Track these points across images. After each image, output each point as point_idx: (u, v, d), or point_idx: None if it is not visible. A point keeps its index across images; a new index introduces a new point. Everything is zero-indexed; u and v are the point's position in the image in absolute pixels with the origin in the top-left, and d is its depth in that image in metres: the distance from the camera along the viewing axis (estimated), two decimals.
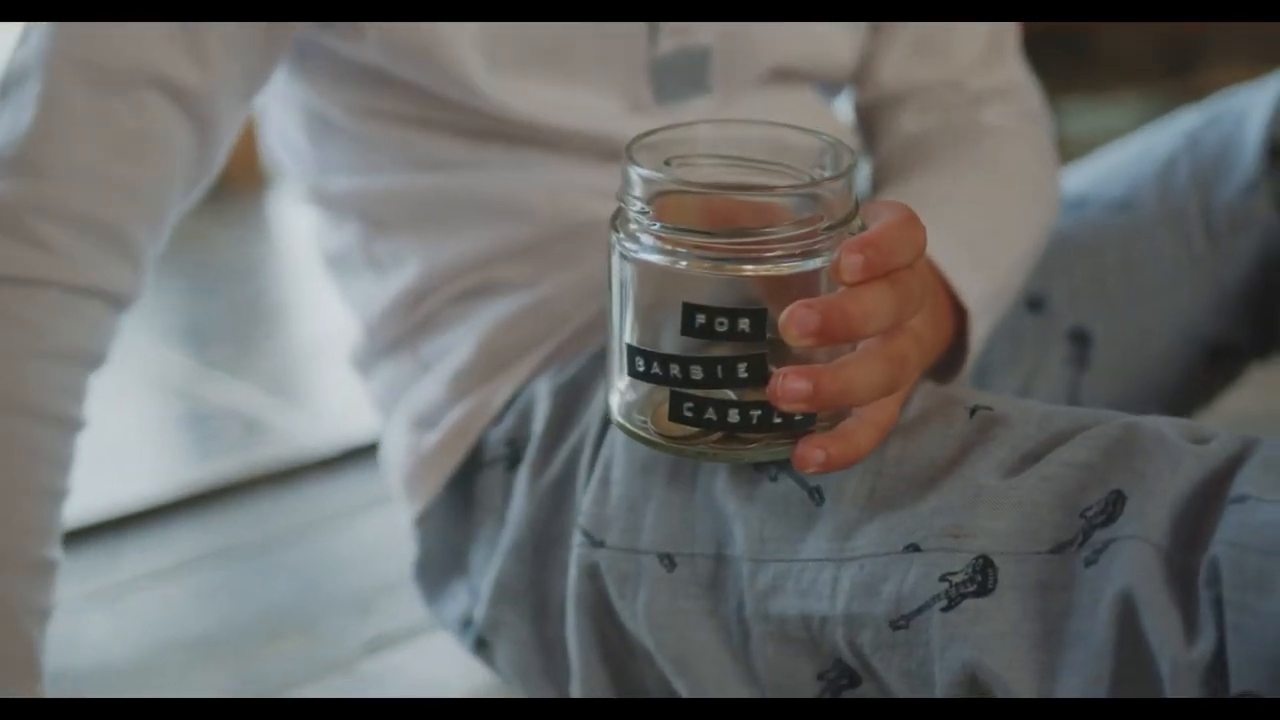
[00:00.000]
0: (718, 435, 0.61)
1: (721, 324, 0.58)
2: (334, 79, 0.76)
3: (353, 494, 1.17)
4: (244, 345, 1.61)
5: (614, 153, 0.74)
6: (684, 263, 0.58)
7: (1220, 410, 0.96)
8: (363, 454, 1.22)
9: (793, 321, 0.57)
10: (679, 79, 0.76)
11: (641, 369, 0.59)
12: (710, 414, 0.59)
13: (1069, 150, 1.01)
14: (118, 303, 0.71)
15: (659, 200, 0.58)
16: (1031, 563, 0.58)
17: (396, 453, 0.81)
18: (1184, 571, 0.55)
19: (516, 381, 0.76)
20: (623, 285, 0.59)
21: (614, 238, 0.59)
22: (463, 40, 0.72)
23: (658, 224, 0.58)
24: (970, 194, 0.79)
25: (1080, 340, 0.90)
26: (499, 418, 0.76)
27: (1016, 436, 0.62)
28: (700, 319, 0.58)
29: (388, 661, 0.89)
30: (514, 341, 0.77)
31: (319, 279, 1.75)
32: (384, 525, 1.09)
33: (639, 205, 0.58)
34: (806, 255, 0.58)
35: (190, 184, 0.73)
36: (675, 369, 0.59)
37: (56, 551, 0.68)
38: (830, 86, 0.84)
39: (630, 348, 0.60)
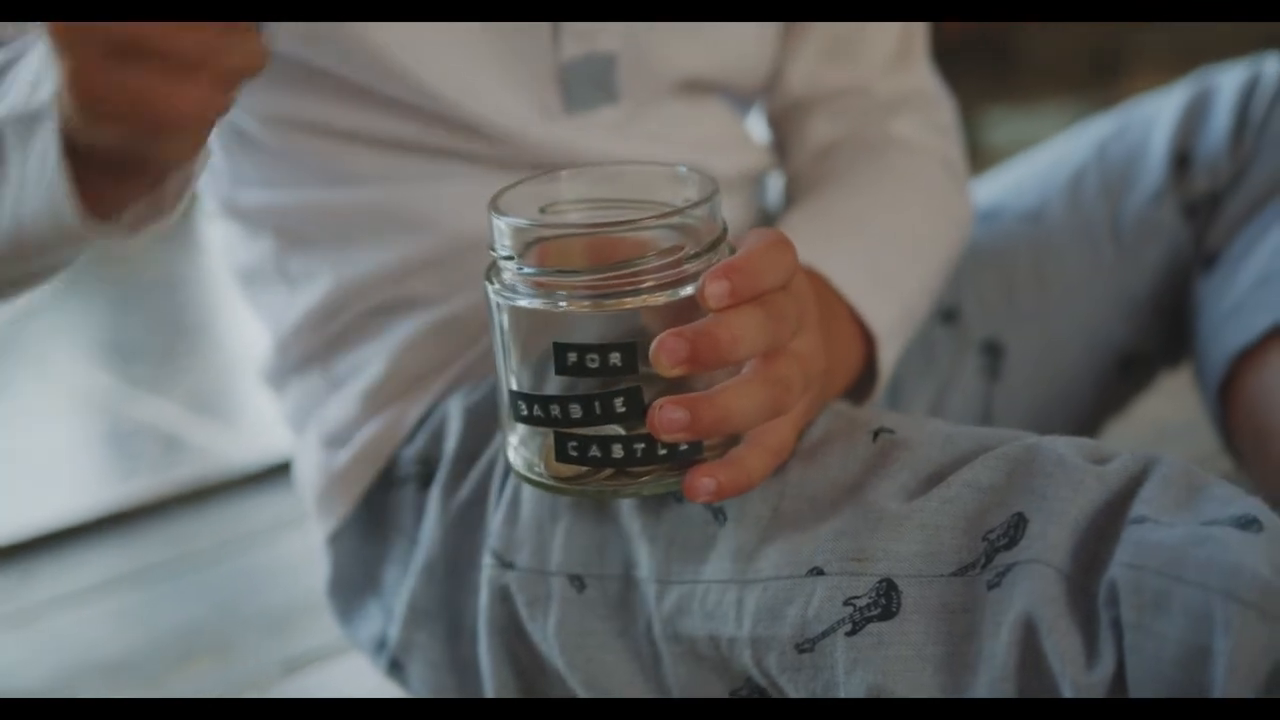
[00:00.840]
0: (608, 472, 0.61)
1: (593, 360, 0.59)
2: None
3: (273, 511, 1.16)
4: (166, 362, 1.59)
5: (528, 165, 0.74)
6: (561, 304, 0.59)
7: (1132, 417, 0.98)
8: (284, 470, 1.21)
9: (663, 351, 0.57)
10: (586, 86, 0.76)
11: (525, 413, 0.60)
12: (595, 452, 0.60)
13: (992, 158, 1.02)
14: None
15: (540, 247, 0.59)
16: (935, 585, 0.59)
17: (308, 471, 0.80)
18: (1085, 594, 0.55)
19: (428, 400, 0.76)
20: (503, 333, 0.61)
21: (489, 289, 0.60)
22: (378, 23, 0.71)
23: (527, 269, 0.59)
24: (877, 215, 0.79)
25: (992, 351, 0.91)
26: (411, 436, 0.76)
27: (919, 459, 0.62)
28: (571, 357, 0.59)
29: (304, 682, 0.88)
30: (425, 359, 0.76)
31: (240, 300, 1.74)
32: (304, 542, 1.08)
33: (509, 253, 0.59)
34: (677, 284, 0.59)
35: None
36: (556, 409, 0.60)
37: None
38: (742, 98, 0.85)
39: (513, 393, 0.61)
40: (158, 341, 1.68)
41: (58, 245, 0.60)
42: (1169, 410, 1.03)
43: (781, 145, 0.86)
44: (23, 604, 1.03)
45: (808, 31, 0.83)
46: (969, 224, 0.85)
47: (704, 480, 0.60)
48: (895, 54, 0.85)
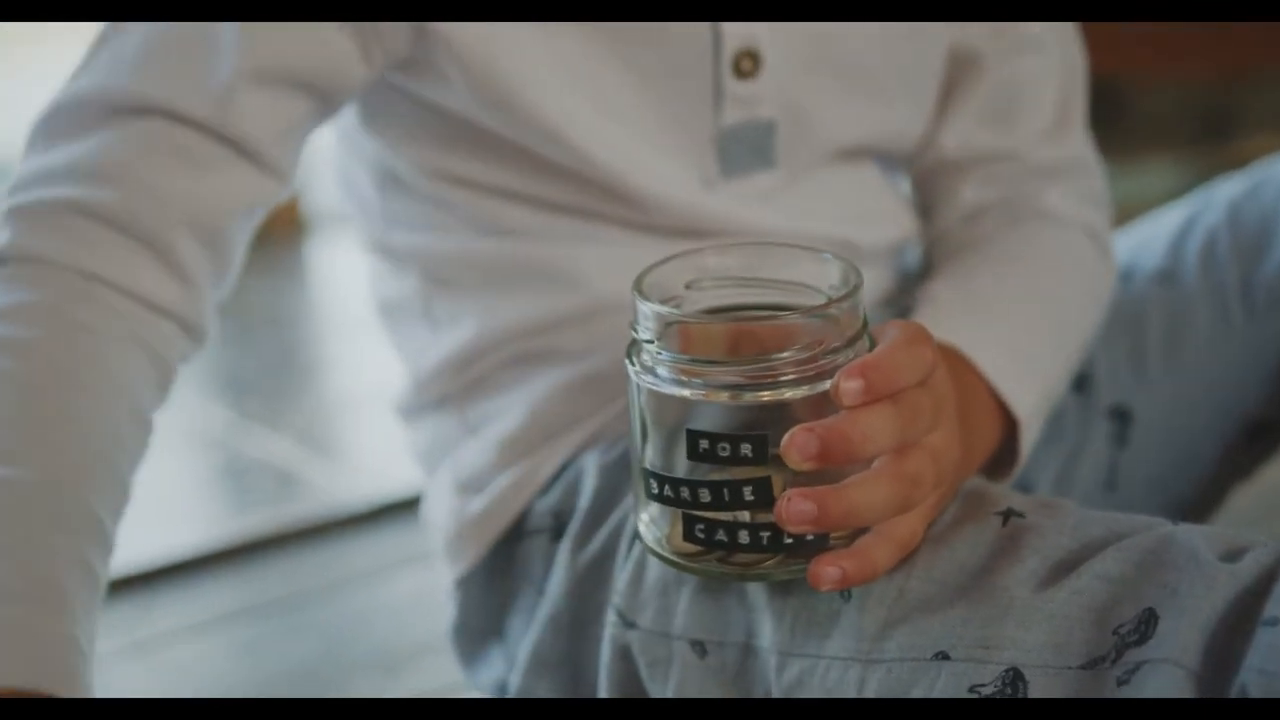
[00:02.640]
0: (735, 554, 0.62)
1: (724, 449, 0.59)
2: (407, 132, 0.76)
3: (384, 551, 1.17)
4: (280, 397, 1.62)
5: (679, 230, 0.75)
6: (699, 392, 0.59)
7: (1259, 481, 0.95)
8: (396, 510, 1.22)
9: (793, 446, 0.58)
10: (745, 152, 0.77)
11: (655, 491, 0.61)
12: (721, 535, 0.61)
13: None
14: (185, 330, 0.69)
15: (682, 328, 0.60)
16: (1063, 677, 0.58)
17: (440, 514, 0.81)
18: (1215, 695, 0.54)
19: (565, 453, 0.76)
20: (641, 411, 0.61)
21: (630, 368, 0.61)
22: (548, 88, 0.72)
23: (668, 354, 0.60)
24: (1024, 294, 0.79)
25: (1121, 418, 0.90)
26: (545, 489, 0.76)
27: (1049, 545, 0.61)
28: (704, 444, 0.60)
29: None
30: (564, 412, 0.76)
31: (356, 331, 1.76)
32: (415, 584, 1.09)
33: (650, 338, 0.60)
34: (815, 379, 0.59)
35: (251, 216, 0.72)
36: (685, 492, 0.60)
37: (114, 535, 0.64)
38: (894, 163, 0.85)
39: (645, 470, 0.62)
40: (271, 377, 1.71)
41: None
42: None
43: (927, 207, 0.85)
44: (144, 634, 1.05)
45: (967, 94, 0.82)
46: (1110, 295, 0.85)
47: (829, 570, 0.60)
48: (1054, 121, 0.84)
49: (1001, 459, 0.74)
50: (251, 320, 1.89)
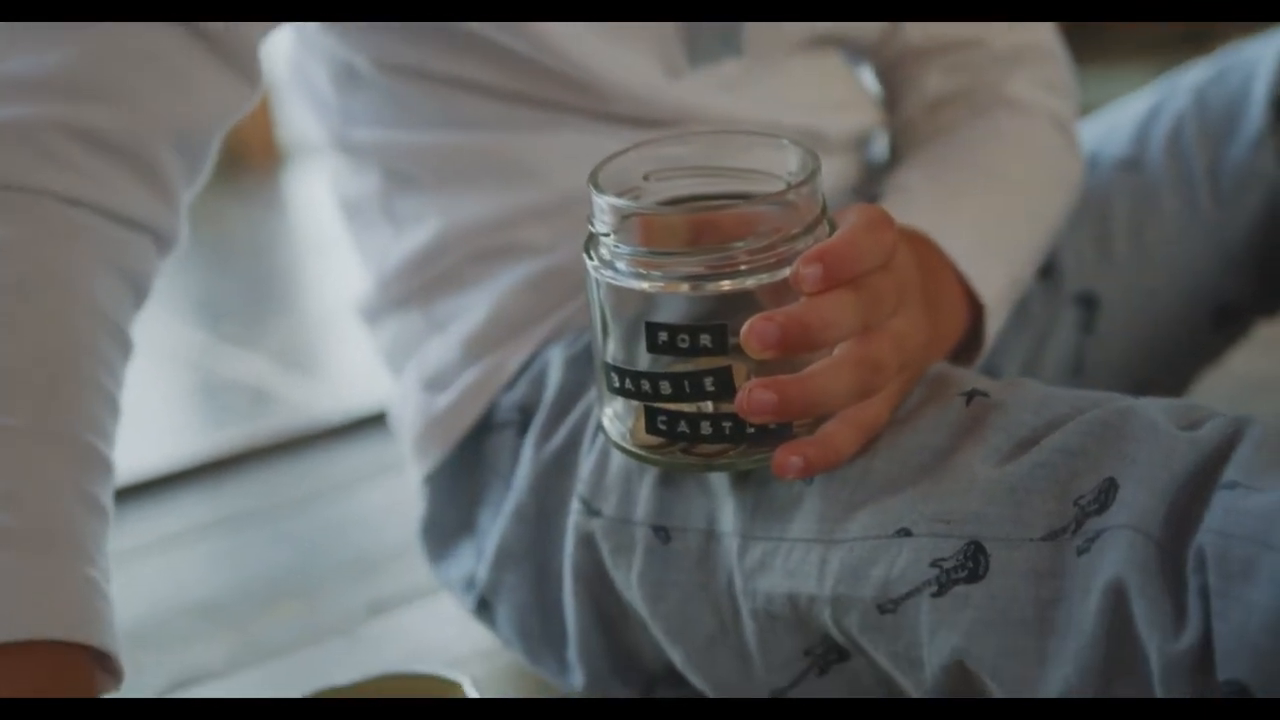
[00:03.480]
0: (698, 446, 0.62)
1: (683, 340, 0.59)
2: (364, 29, 0.75)
3: (359, 462, 1.17)
4: (255, 319, 1.62)
5: (643, 120, 0.75)
6: (658, 284, 0.59)
7: (1225, 370, 0.96)
8: (371, 423, 1.22)
9: (753, 335, 0.57)
10: (712, 39, 0.76)
11: (617, 385, 0.61)
12: (683, 427, 0.61)
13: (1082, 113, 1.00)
14: (159, 242, 0.68)
15: (640, 220, 0.60)
16: (1023, 549, 0.58)
17: (407, 412, 0.81)
18: (1174, 560, 0.54)
19: (531, 347, 0.76)
20: (601, 306, 0.61)
21: (588, 263, 0.61)
22: None
23: (626, 248, 0.59)
24: (990, 181, 0.78)
25: (1088, 304, 0.90)
26: (512, 383, 0.76)
27: (1012, 423, 0.61)
28: (663, 336, 0.59)
29: (388, 624, 0.89)
30: (529, 307, 0.76)
31: (332, 256, 1.76)
32: (389, 493, 1.09)
33: (608, 231, 0.59)
34: (774, 267, 0.59)
35: (229, 122, 0.70)
36: (646, 385, 0.60)
37: (110, 453, 0.64)
38: (859, 51, 0.84)
39: (606, 365, 0.62)
40: (247, 300, 1.71)
41: None
42: (1263, 363, 1.01)
43: (892, 96, 0.85)
44: (119, 547, 1.05)
45: None
46: (1078, 184, 0.84)
47: (792, 459, 0.60)
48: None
49: (968, 344, 0.74)
50: (229, 247, 1.89)
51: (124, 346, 0.67)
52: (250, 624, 0.91)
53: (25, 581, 0.58)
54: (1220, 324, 0.91)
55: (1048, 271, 0.88)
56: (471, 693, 0.73)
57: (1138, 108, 0.93)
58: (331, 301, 1.64)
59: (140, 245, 0.67)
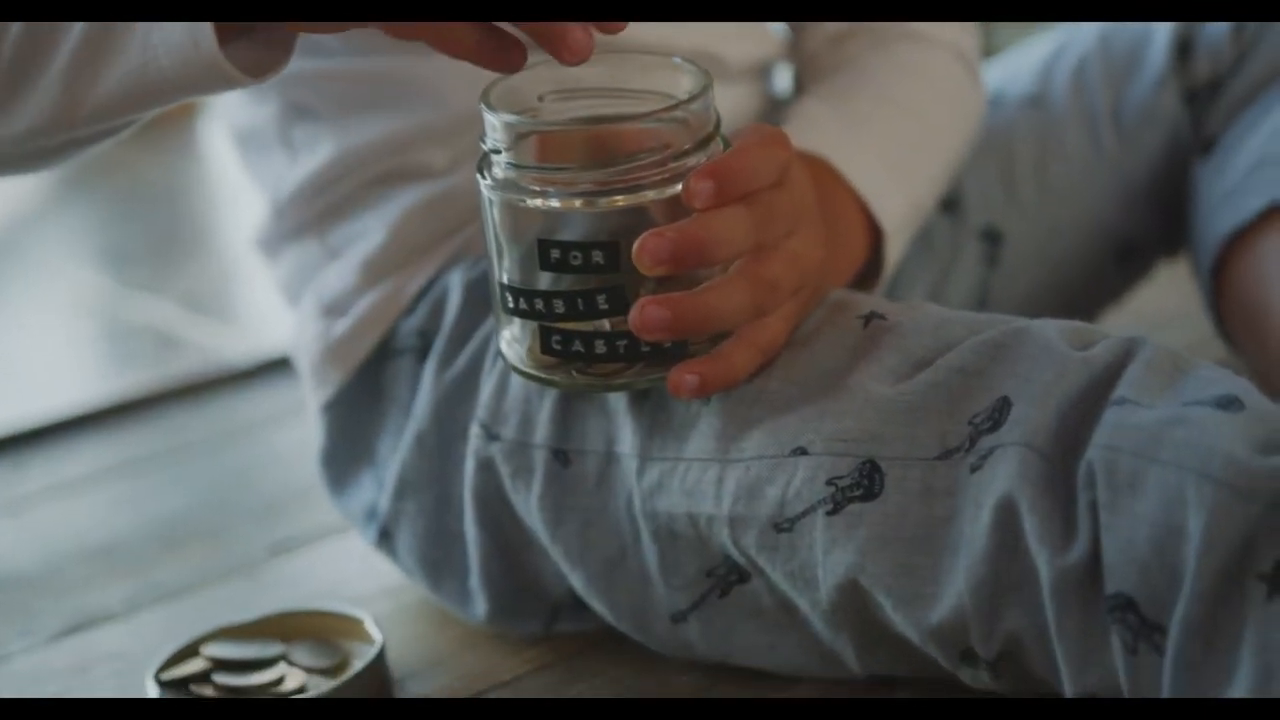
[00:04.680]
0: (594, 366, 0.61)
1: (575, 257, 0.59)
2: None
3: (267, 406, 1.16)
4: (163, 265, 1.59)
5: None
6: (551, 201, 0.59)
7: (1128, 308, 0.97)
8: (279, 366, 1.21)
9: (644, 251, 0.57)
10: None
11: (512, 306, 0.61)
12: (577, 346, 0.61)
13: (992, 52, 1.00)
14: None
15: (535, 139, 0.59)
16: (918, 468, 0.58)
17: (305, 340, 0.80)
18: (1065, 476, 0.55)
19: (429, 272, 0.75)
20: (494, 226, 0.61)
21: (480, 182, 0.60)
22: None
23: (517, 164, 0.59)
24: (891, 108, 0.78)
25: (992, 239, 0.90)
26: (410, 308, 0.76)
27: (909, 344, 0.62)
28: (555, 254, 0.59)
29: (291, 565, 0.88)
30: (426, 231, 0.76)
31: (243, 202, 1.73)
32: (297, 435, 1.08)
33: (498, 147, 0.59)
34: (667, 182, 0.59)
35: None
36: (540, 304, 0.60)
37: None
38: None
39: (501, 285, 0.61)
40: (155, 246, 1.68)
41: (186, 88, 0.59)
42: (1165, 300, 1.02)
43: (795, 29, 0.84)
44: (16, 493, 1.03)
45: None
46: (980, 116, 0.85)
47: (688, 377, 0.60)
48: None
49: (868, 271, 0.74)
50: (139, 195, 1.85)
51: None
52: (150, 567, 0.89)
53: None
54: (1122, 261, 0.92)
55: (952, 205, 0.89)
56: (372, 629, 0.73)
57: (1043, 48, 0.94)
58: (241, 247, 1.62)
59: None
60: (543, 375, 0.63)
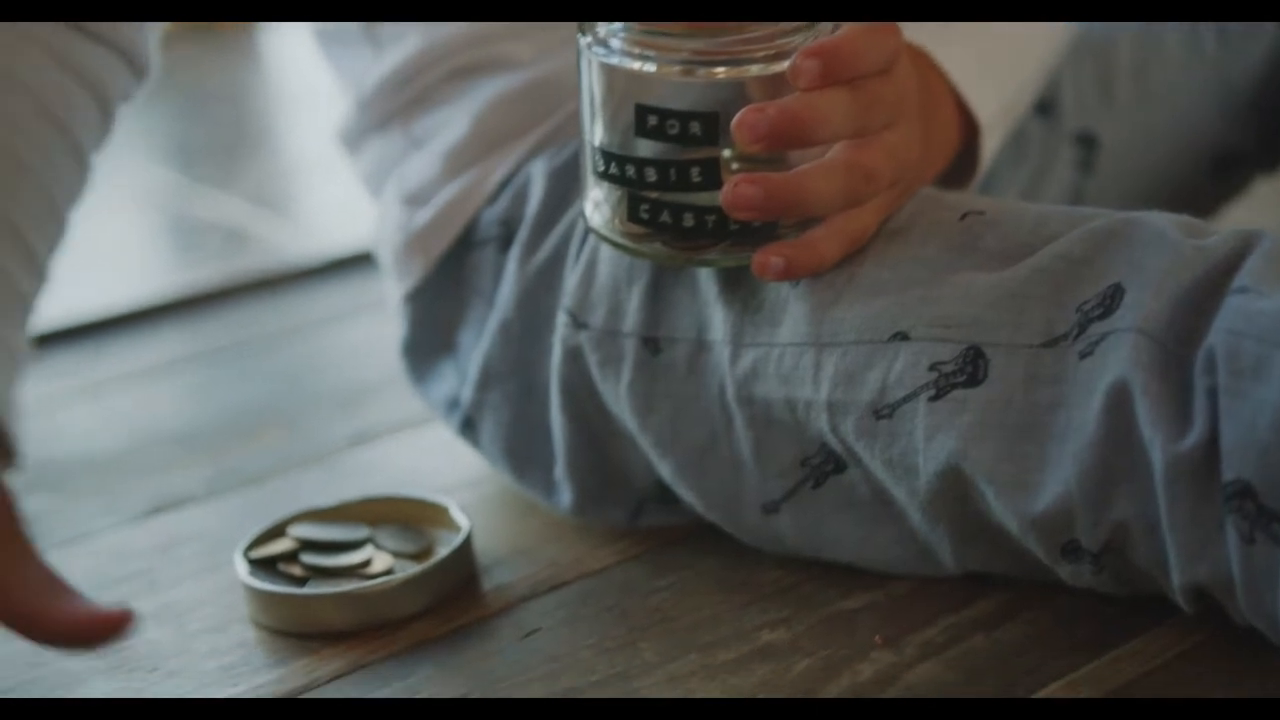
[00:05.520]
0: (679, 238, 0.61)
1: (672, 126, 0.58)
2: None
3: (337, 301, 1.16)
4: (230, 162, 1.59)
5: None
6: (650, 66, 0.57)
7: (1224, 217, 0.95)
8: (348, 264, 1.21)
9: (744, 125, 0.56)
10: None
11: (602, 169, 0.60)
12: (665, 217, 0.59)
13: None
14: (127, 61, 0.65)
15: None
16: (1022, 355, 0.57)
17: (387, 230, 0.79)
18: (1181, 363, 0.54)
19: (512, 162, 0.74)
20: (590, 88, 0.59)
21: (581, 40, 0.59)
22: None
23: (624, 27, 0.57)
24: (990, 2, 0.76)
25: (1086, 144, 0.88)
26: (493, 198, 0.75)
27: (1009, 235, 0.60)
28: (652, 120, 0.58)
29: (370, 454, 0.88)
30: (511, 121, 0.75)
31: (307, 105, 1.73)
32: (368, 330, 1.08)
33: None
34: (775, 58, 0.57)
35: None
36: (632, 170, 0.59)
37: (47, 256, 0.60)
38: None
39: (594, 148, 0.60)
40: (222, 144, 1.68)
41: None
42: (1260, 220, 1.00)
43: None
44: (94, 378, 1.04)
45: None
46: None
47: (774, 259, 0.59)
48: None
49: (962, 169, 0.73)
50: (204, 94, 1.85)
51: (83, 167, 0.63)
52: (229, 453, 0.89)
53: None
54: (1219, 173, 0.90)
55: (1047, 108, 0.87)
56: (458, 515, 0.73)
57: None
58: (306, 147, 1.61)
59: (108, 62, 0.64)
60: (627, 244, 0.62)
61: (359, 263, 1.19)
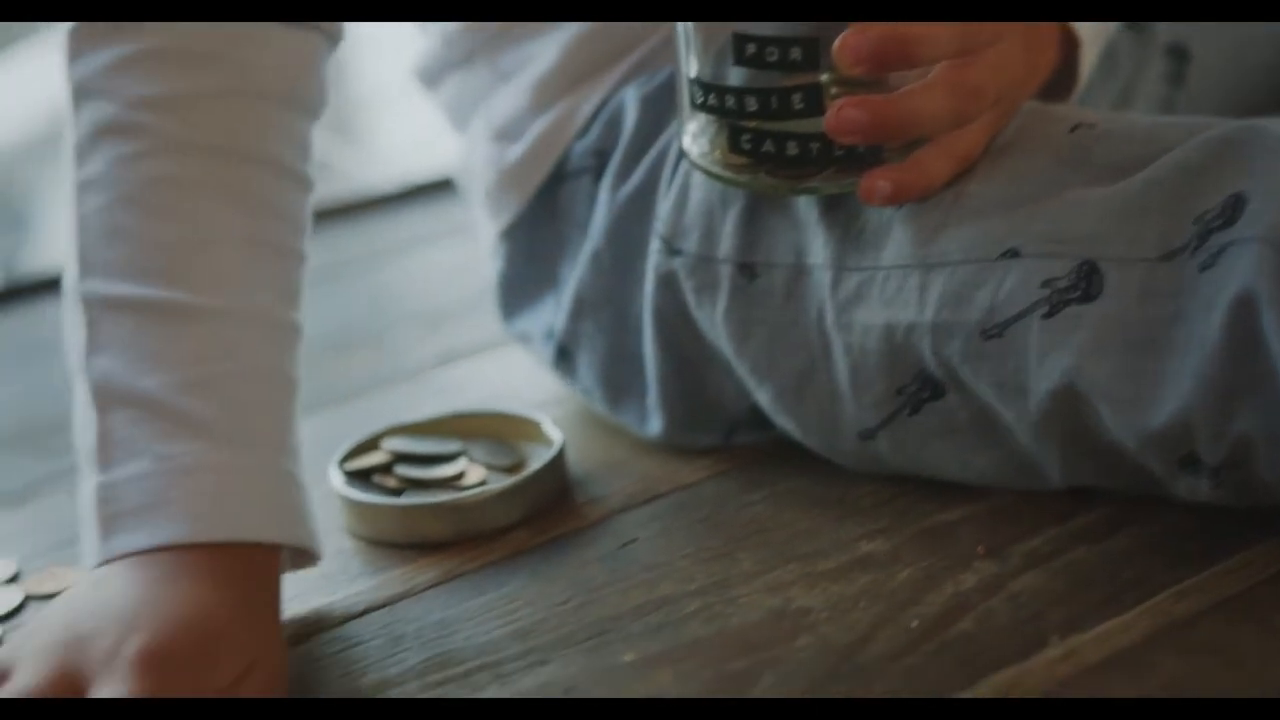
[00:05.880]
0: (782, 167, 0.60)
1: (771, 53, 0.57)
2: None
3: (415, 228, 1.16)
4: None
5: None
6: None
7: None
8: (425, 191, 1.21)
9: (846, 47, 0.56)
10: None
11: (701, 100, 0.59)
12: (768, 146, 0.59)
13: None
14: (330, 36, 0.67)
15: None
16: (1138, 269, 0.56)
17: (476, 165, 0.79)
18: None
19: (602, 92, 0.74)
20: None
21: None
22: None
23: None
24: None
25: (1177, 56, 0.86)
26: (585, 129, 0.74)
27: (1121, 147, 0.59)
28: (750, 49, 0.57)
29: (458, 372, 0.88)
30: (599, 51, 0.74)
31: (382, 33, 1.72)
32: (449, 254, 1.08)
33: None
34: None
35: None
36: (732, 100, 0.58)
37: (300, 318, 0.65)
38: None
39: (691, 80, 0.59)
40: None
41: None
42: None
43: None
44: None
45: None
46: None
47: (881, 183, 0.58)
48: None
49: (1059, 84, 0.72)
50: None
51: (303, 183, 0.66)
52: (318, 370, 0.89)
53: (225, 480, 0.58)
54: None
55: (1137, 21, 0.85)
56: (551, 429, 0.73)
57: None
58: (383, 77, 1.61)
59: (316, 43, 0.66)
60: (729, 175, 0.61)
61: (437, 189, 1.19)
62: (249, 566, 0.57)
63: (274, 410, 0.61)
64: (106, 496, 0.57)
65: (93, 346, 0.59)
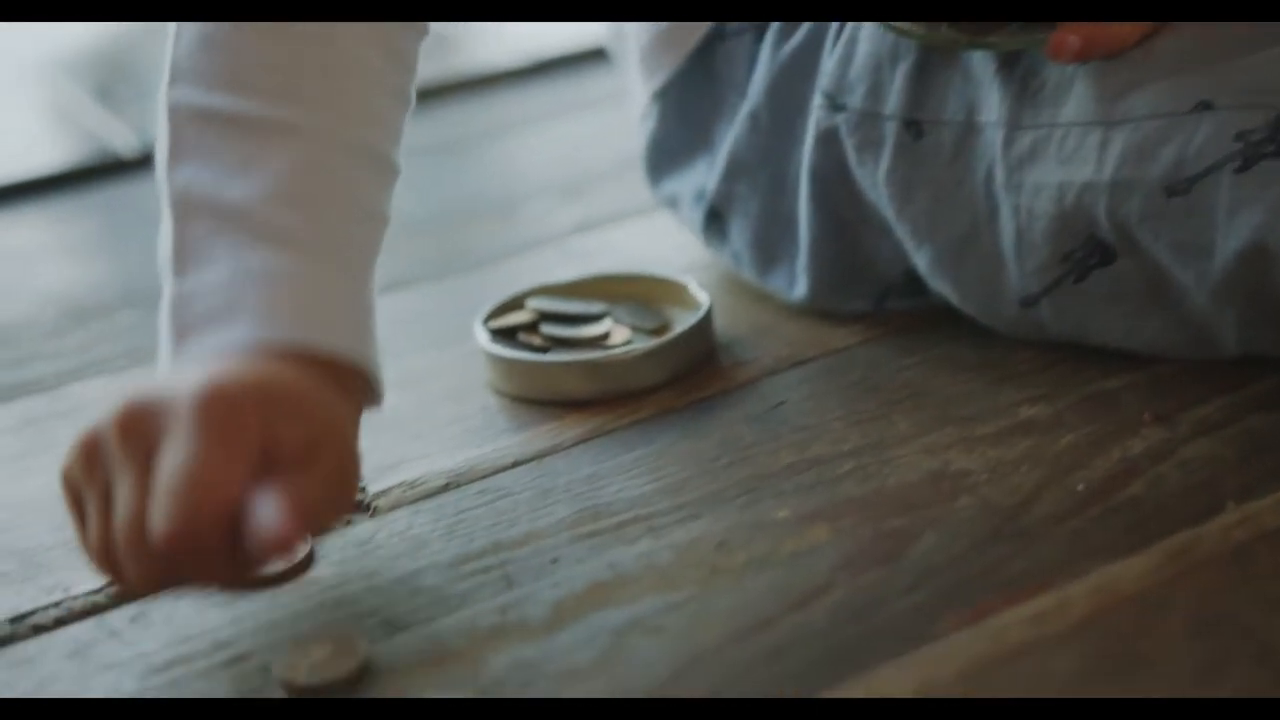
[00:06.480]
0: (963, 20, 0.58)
1: None
2: None
3: (546, 102, 1.14)
4: None
5: None
6: None
7: None
8: (551, 67, 1.19)
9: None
10: None
11: None
12: None
13: None
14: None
15: None
16: None
17: (630, 26, 0.77)
18: None
19: None
20: None
21: None
22: None
23: None
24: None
25: None
26: None
27: None
28: None
29: (597, 238, 0.87)
30: None
31: None
32: (577, 129, 1.06)
33: None
34: None
35: None
36: None
37: (399, 156, 0.60)
38: None
39: None
40: None
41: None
42: None
43: None
44: None
45: None
46: None
47: (1071, 38, 0.57)
48: None
49: None
50: None
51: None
52: (454, 238, 0.90)
53: (305, 290, 0.53)
54: None
55: None
56: (698, 292, 0.72)
57: None
58: None
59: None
60: (909, 27, 0.60)
61: (559, 65, 1.18)
62: (325, 372, 0.53)
63: (362, 241, 0.57)
64: (182, 304, 0.53)
65: (176, 157, 0.55)
